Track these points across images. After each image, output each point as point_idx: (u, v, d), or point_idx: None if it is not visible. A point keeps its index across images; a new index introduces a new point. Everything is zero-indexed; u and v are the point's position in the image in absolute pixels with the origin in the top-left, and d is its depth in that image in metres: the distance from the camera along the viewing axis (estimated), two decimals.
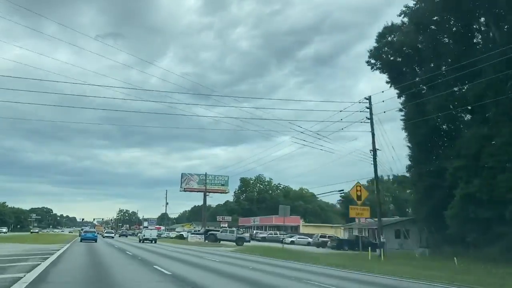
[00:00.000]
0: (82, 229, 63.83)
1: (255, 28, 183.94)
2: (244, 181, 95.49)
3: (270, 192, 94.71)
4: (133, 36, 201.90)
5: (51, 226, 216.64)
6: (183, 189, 78.32)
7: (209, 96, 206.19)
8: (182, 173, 79.47)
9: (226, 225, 63.62)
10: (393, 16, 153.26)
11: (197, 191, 79.59)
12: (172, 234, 71.15)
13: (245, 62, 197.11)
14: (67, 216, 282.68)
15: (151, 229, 57.20)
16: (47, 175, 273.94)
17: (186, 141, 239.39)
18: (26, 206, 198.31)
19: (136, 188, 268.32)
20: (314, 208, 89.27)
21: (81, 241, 41.33)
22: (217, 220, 68.18)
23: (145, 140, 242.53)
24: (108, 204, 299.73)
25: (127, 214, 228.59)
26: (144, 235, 49.48)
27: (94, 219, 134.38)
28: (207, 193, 79.22)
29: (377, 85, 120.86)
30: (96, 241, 40.96)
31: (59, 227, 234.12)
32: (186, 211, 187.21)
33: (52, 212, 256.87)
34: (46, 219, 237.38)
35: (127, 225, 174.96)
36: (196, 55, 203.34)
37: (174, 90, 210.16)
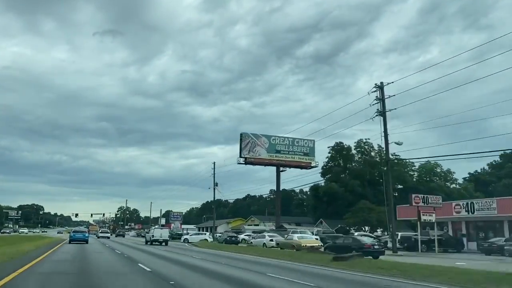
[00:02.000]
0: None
1: (254, 25, 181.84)
2: (337, 149, 60.40)
3: (374, 169, 58.42)
4: (132, 33, 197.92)
5: (39, 226, 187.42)
6: (244, 159, 45.75)
7: (207, 94, 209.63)
8: (241, 134, 47.40)
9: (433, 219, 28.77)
10: (392, 13, 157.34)
11: (267, 164, 47.08)
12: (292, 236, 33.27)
13: (244, 60, 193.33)
14: (62, 215, 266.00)
15: (161, 228, 50.39)
16: (43, 174, 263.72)
17: (184, 140, 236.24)
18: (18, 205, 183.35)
19: (133, 187, 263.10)
20: (463, 193, 55.34)
21: (70, 242, 36.30)
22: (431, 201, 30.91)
23: (142, 139, 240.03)
24: (105, 203, 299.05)
25: (127, 212, 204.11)
26: (153, 236, 41.85)
27: (92, 215, 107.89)
28: (282, 168, 46.78)
29: (376, 83, 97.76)
30: (87, 242, 36.08)
31: (51, 226, 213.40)
32: (193, 208, 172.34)
33: (43, 209, 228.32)
34: (35, 217, 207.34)
35: (132, 224, 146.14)
36: (195, 53, 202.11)
37: (172, 88, 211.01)
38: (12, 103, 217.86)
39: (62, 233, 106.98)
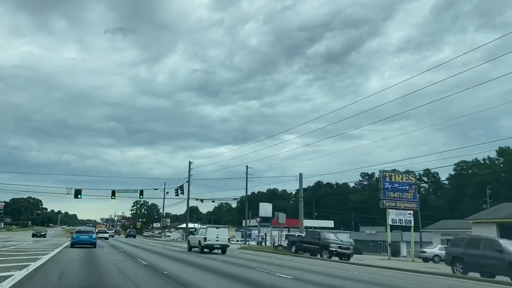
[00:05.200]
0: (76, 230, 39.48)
1: (265, 24, 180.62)
2: None
3: None
4: (142, 32, 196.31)
5: (30, 223, 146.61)
6: None
7: (217, 94, 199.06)
8: None
9: None
10: (406, 11, 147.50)
11: None
12: None
13: (254, 59, 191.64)
14: (66, 213, 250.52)
15: (218, 228, 29.70)
16: (51, 173, 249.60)
17: (192, 140, 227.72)
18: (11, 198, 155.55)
19: (140, 187, 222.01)
20: None
21: (72, 246, 28.64)
22: None
23: (150, 139, 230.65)
24: (112, 203, 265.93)
25: (144, 207, 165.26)
26: (206, 239, 26.91)
27: (114, 193, 63.56)
28: None
29: (387, 83, 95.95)
30: (94, 246, 28.87)
31: (51, 224, 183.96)
32: (224, 205, 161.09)
33: (41, 204, 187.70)
34: (28, 212, 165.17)
35: (165, 220, 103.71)
36: (205, 52, 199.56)
37: (181, 88, 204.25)
38: (21, 102, 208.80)
39: (43, 234, 57.49)
